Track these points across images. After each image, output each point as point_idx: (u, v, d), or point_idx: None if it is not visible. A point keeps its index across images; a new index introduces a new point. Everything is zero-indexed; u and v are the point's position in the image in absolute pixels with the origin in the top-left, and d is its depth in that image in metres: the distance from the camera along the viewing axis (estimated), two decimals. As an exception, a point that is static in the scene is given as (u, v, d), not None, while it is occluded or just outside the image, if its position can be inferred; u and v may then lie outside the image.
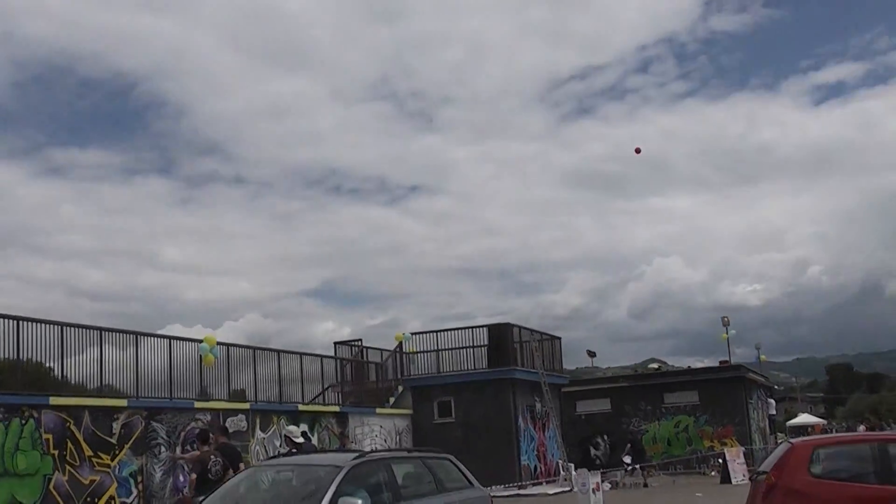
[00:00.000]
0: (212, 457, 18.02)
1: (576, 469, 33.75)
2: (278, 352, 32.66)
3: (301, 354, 34.25)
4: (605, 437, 50.10)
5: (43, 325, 23.60)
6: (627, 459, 40.75)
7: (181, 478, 25.40)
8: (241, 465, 20.02)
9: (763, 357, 65.23)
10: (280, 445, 30.52)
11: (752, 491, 15.47)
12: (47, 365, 24.22)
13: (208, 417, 27.41)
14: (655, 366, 65.22)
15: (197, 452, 18.69)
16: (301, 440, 19.37)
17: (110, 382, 25.71)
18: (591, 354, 62.15)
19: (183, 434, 26.32)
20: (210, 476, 17.63)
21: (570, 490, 32.55)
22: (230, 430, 22.68)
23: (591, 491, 28.26)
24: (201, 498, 17.40)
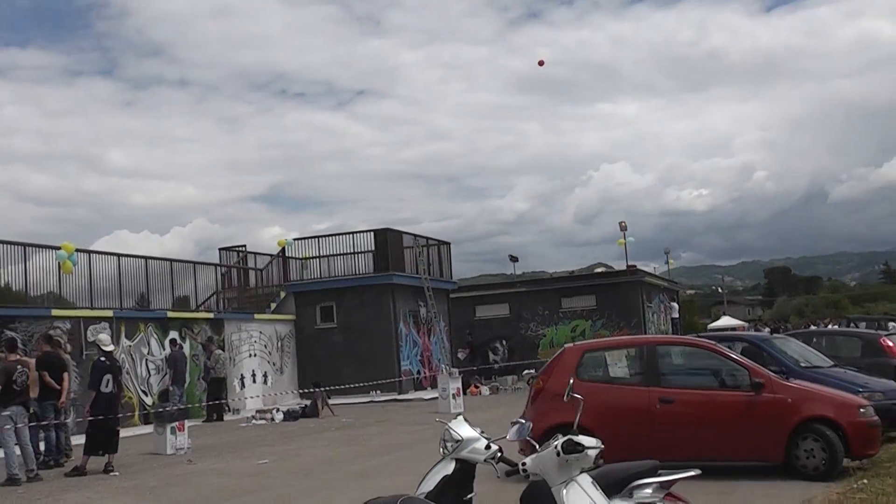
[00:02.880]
0: (18, 366, 18.06)
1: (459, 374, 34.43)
2: (145, 258, 32.77)
3: (171, 261, 34.39)
4: (504, 341, 50.74)
5: None
6: (461, 356, 41.12)
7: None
8: (65, 375, 20.26)
9: (671, 261, 66.02)
10: (148, 353, 30.91)
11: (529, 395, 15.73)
12: None
13: (67, 325, 27.53)
14: (601, 270, 65.54)
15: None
16: (111, 347, 19.52)
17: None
18: (514, 259, 62.34)
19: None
20: (15, 387, 17.69)
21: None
22: (55, 337, 22.62)
23: (451, 396, 28.82)
24: (6, 410, 17.68)
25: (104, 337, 20.06)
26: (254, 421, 29.22)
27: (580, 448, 6.30)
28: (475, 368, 39.37)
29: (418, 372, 40.02)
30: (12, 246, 27.32)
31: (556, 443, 6.44)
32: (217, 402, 30.85)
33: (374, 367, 36.40)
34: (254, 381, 35.70)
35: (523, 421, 7.18)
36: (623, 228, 55.51)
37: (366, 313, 38.13)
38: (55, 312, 27.39)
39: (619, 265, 55.80)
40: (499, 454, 7.31)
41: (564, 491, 6.26)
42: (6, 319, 25.63)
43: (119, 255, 31.59)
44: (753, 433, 13.41)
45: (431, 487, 7.36)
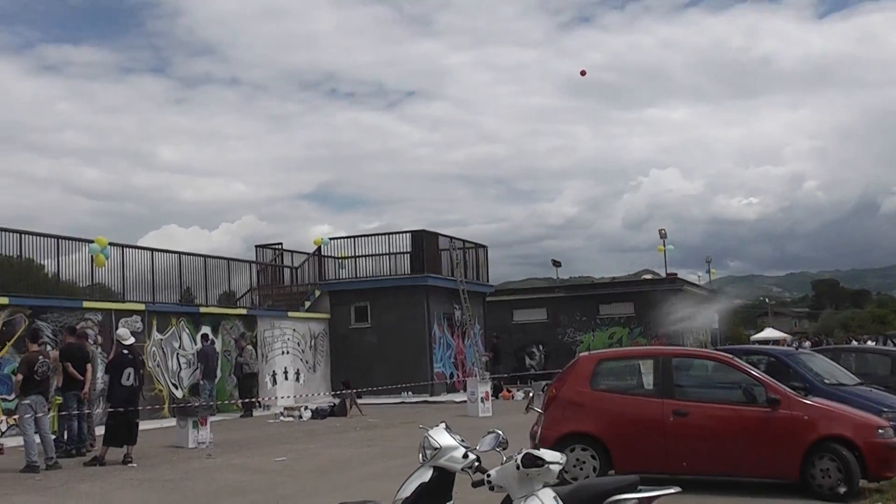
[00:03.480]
0: (40, 357, 18.29)
1: (489, 378, 34.35)
2: (179, 254, 32.90)
3: (206, 257, 34.52)
4: (541, 346, 50.58)
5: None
6: (484, 360, 40.88)
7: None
8: (89, 367, 20.45)
9: (713, 271, 65.50)
10: (179, 347, 31.06)
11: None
12: None
13: (99, 317, 27.75)
14: (648, 276, 65.27)
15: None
16: (131, 341, 19.64)
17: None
18: (556, 264, 62.06)
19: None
20: (36, 377, 17.92)
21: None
22: (79, 329, 22.86)
23: (479, 399, 28.74)
24: (27, 399, 17.91)
25: (123, 331, 20.24)
26: (281, 418, 29.30)
27: (540, 462, 6.19)
28: (496, 374, 38.98)
29: (451, 375, 39.95)
30: (47, 238, 27.51)
31: (517, 456, 6.34)
32: (248, 398, 30.89)
33: (406, 368, 36.39)
34: (286, 379, 35.77)
35: (499, 431, 7.06)
36: (663, 236, 55.18)
37: (400, 314, 38.10)
38: (87, 304, 27.58)
39: (669, 271, 55.32)
40: (476, 463, 7.21)
41: None
42: (38, 310, 25.84)
43: (153, 250, 31.75)
44: (768, 450, 13.19)
45: (408, 494, 7.29)
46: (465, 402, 30.06)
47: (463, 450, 7.31)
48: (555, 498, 6.26)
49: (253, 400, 31.18)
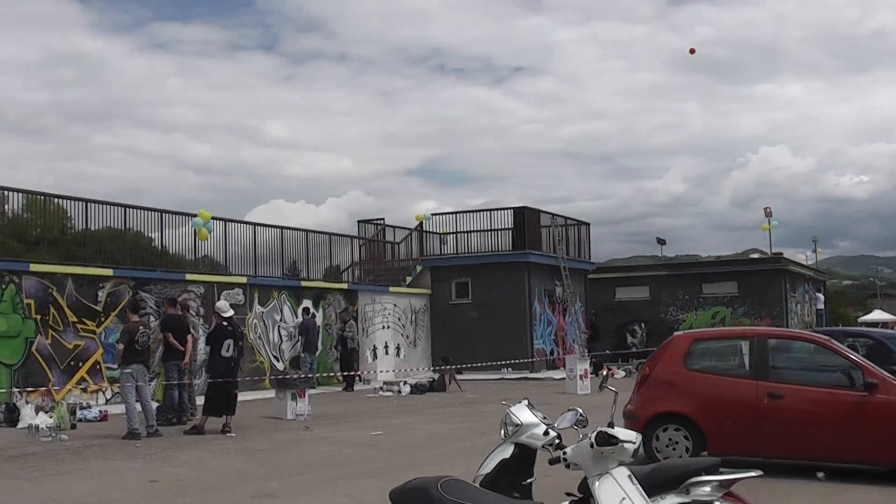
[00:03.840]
0: (140, 327, 18.70)
1: (589, 354, 34.28)
2: (281, 228, 33.24)
3: (307, 231, 34.83)
4: (643, 324, 50.19)
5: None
6: (583, 337, 40.54)
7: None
8: (189, 338, 20.85)
9: (819, 250, 64.30)
10: (281, 320, 31.45)
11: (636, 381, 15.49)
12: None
13: (201, 290, 28.23)
14: (756, 255, 64.32)
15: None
16: (230, 313, 19.90)
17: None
18: (661, 242, 61.54)
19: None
20: (137, 347, 18.34)
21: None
22: (181, 301, 23.36)
23: (578, 377, 28.70)
24: (128, 368, 18.34)
25: (223, 304, 20.51)
26: (380, 392, 29.51)
27: (614, 441, 6.13)
28: (594, 352, 38.73)
29: (552, 352, 39.91)
30: (151, 212, 28.05)
31: (591, 434, 6.29)
32: (349, 372, 31.12)
33: (506, 344, 36.43)
34: (386, 353, 36.00)
35: (578, 409, 7.02)
36: (768, 214, 54.34)
37: (501, 290, 38.12)
38: (189, 277, 28.07)
39: (776, 251, 54.45)
40: (556, 441, 7.19)
41: (597, 483, 6.12)
42: (142, 282, 26.41)
43: (255, 225, 32.14)
44: (864, 435, 12.84)
45: (489, 470, 7.32)
46: (564, 379, 30.01)
47: (544, 427, 7.31)
48: (629, 477, 6.19)
49: (353, 374, 31.42)
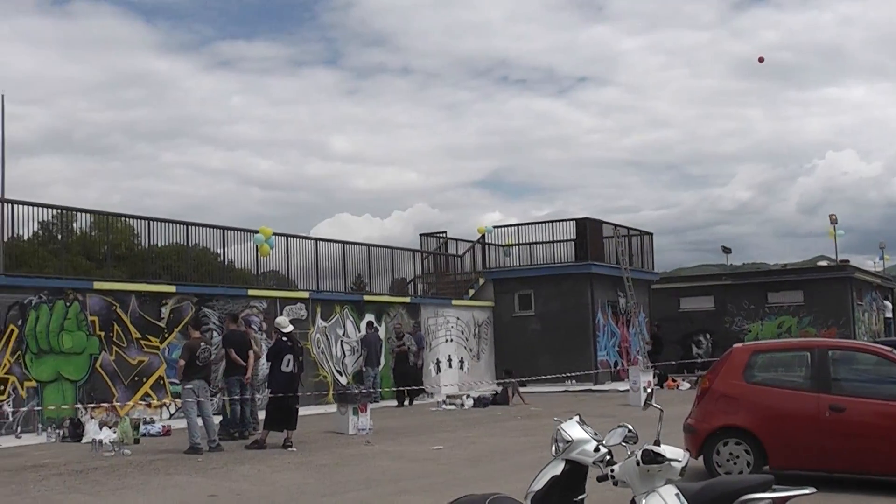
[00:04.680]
0: (202, 344, 18.91)
1: (651, 366, 34.01)
2: (343, 243, 33.36)
3: (369, 246, 34.92)
4: (708, 335, 49.66)
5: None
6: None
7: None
8: (250, 353, 21.01)
9: (887, 257, 63.20)
10: (344, 334, 31.53)
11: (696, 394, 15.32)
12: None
13: (264, 305, 28.42)
14: (824, 263, 63.49)
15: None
16: (290, 329, 19.98)
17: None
18: (726, 251, 60.97)
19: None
20: (198, 362, 18.56)
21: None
22: (242, 317, 23.72)
23: (642, 389, 28.45)
24: (190, 384, 18.52)
25: (282, 319, 20.62)
26: (443, 406, 29.47)
27: (661, 459, 6.06)
28: (656, 363, 38.34)
29: (615, 363, 39.67)
30: (214, 229, 28.32)
31: (637, 452, 6.23)
32: (415, 386, 31.03)
33: (570, 356, 36.34)
34: (450, 367, 35.97)
35: (628, 425, 6.95)
36: (833, 221, 53.62)
37: (564, 302, 38.01)
38: (252, 292, 28.31)
39: (843, 257, 53.58)
40: (607, 457, 7.12)
41: (644, 502, 6.06)
42: (204, 298, 26.68)
43: (316, 239, 32.34)
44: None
45: (540, 487, 7.26)
46: (628, 391, 29.80)
47: (594, 443, 7.23)
48: (677, 495, 6.12)
49: (405, 389, 31.40)
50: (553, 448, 7.42)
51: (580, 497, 7.33)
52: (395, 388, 30.98)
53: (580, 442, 7.25)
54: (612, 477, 6.41)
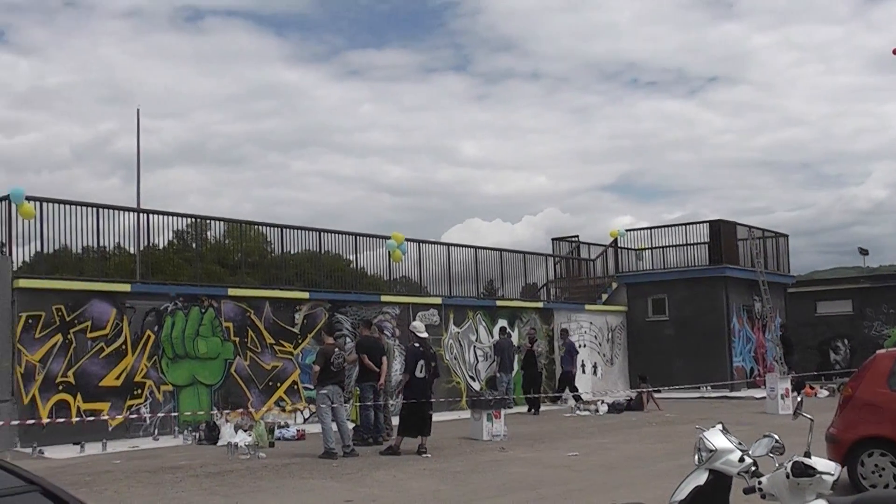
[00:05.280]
0: (336, 349, 19.04)
1: (790, 372, 33.27)
2: (474, 248, 33.33)
3: (501, 251, 34.83)
4: (846, 340, 48.46)
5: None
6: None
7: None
8: (384, 359, 21.06)
9: None
10: (476, 340, 31.49)
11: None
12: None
13: (397, 311, 28.54)
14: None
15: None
16: (425, 334, 19.98)
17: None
18: (863, 252, 59.58)
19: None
20: (332, 368, 18.68)
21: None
22: (375, 323, 23.92)
23: (779, 396, 27.90)
24: (324, 389, 18.65)
25: (418, 324, 20.64)
26: (577, 412, 29.21)
27: (812, 472, 5.82)
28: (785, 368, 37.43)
29: (751, 370, 38.94)
30: (345, 236, 28.55)
31: (787, 463, 5.98)
32: (539, 393, 30.80)
33: (704, 361, 35.84)
34: (583, 372, 35.67)
35: (775, 435, 6.70)
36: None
37: (698, 306, 37.43)
38: (384, 298, 28.42)
39: None
40: (752, 468, 6.87)
41: None
42: (337, 304, 26.93)
43: (448, 245, 32.36)
44: None
45: (683, 497, 7.04)
46: (764, 398, 29.20)
47: (739, 453, 6.99)
48: None
49: (554, 394, 31.18)
50: (696, 457, 7.19)
51: None
52: (527, 396, 30.60)
53: (724, 451, 7.01)
54: (760, 489, 6.18)
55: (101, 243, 23.43)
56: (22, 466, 3.85)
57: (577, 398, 30.70)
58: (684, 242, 39.44)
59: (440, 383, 25.39)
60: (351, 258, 29.43)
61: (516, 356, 31.60)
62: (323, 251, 28.03)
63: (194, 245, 27.19)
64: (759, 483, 6.21)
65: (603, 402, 30.04)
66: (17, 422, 19.64)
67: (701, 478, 7.04)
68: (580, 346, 35.54)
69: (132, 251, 24.92)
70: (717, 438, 7.09)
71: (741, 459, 6.90)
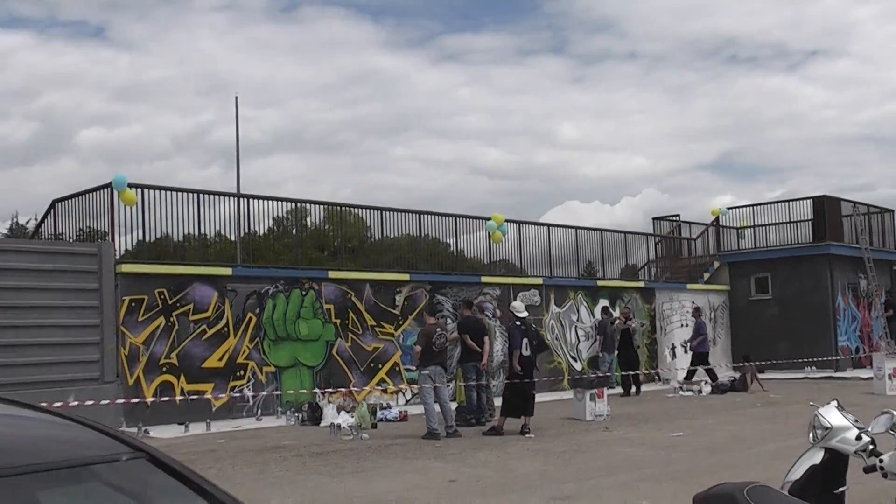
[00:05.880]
0: (437, 329, 19.06)
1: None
2: (575, 228, 33.17)
3: (602, 231, 34.60)
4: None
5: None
6: (881, 321, 38.00)
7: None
8: (486, 339, 21.02)
9: None
10: (577, 320, 31.38)
11: None
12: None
13: (497, 292, 28.51)
14: None
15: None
16: (525, 314, 19.90)
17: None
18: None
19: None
20: (434, 348, 18.70)
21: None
22: (476, 303, 23.90)
23: (887, 376, 27.36)
24: (426, 370, 18.69)
25: (517, 304, 20.61)
26: (680, 392, 28.92)
27: None
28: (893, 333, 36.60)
29: (857, 349, 38.24)
30: (445, 217, 28.61)
31: None
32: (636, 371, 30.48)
33: (808, 341, 35.23)
34: (685, 352, 35.32)
35: (893, 412, 6.51)
36: None
37: (801, 285, 36.79)
38: (484, 279, 28.44)
39: None
40: (870, 447, 6.70)
41: None
42: (438, 285, 27.02)
43: (549, 226, 32.26)
44: None
45: (798, 477, 6.89)
46: (871, 378, 28.66)
47: (856, 431, 6.82)
48: None
49: (632, 374, 30.94)
50: (811, 435, 7.04)
51: (841, 489, 6.94)
52: (624, 373, 29.96)
53: (840, 429, 6.84)
54: (882, 468, 6.03)
55: (202, 231, 23.72)
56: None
57: (691, 376, 30.24)
58: (787, 220, 38.83)
59: (542, 363, 25.21)
60: (450, 241, 29.41)
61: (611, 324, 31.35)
62: (423, 234, 28.07)
63: (294, 231, 27.41)
64: (881, 461, 6.06)
65: (706, 382, 29.67)
66: (122, 400, 20.00)
67: (816, 456, 6.89)
68: (682, 326, 35.24)
69: (232, 238, 25.19)
70: (832, 415, 6.93)
71: (858, 437, 6.73)
